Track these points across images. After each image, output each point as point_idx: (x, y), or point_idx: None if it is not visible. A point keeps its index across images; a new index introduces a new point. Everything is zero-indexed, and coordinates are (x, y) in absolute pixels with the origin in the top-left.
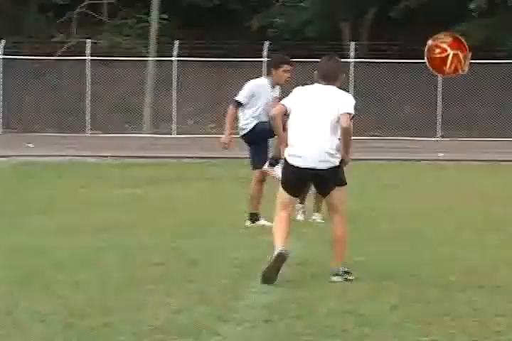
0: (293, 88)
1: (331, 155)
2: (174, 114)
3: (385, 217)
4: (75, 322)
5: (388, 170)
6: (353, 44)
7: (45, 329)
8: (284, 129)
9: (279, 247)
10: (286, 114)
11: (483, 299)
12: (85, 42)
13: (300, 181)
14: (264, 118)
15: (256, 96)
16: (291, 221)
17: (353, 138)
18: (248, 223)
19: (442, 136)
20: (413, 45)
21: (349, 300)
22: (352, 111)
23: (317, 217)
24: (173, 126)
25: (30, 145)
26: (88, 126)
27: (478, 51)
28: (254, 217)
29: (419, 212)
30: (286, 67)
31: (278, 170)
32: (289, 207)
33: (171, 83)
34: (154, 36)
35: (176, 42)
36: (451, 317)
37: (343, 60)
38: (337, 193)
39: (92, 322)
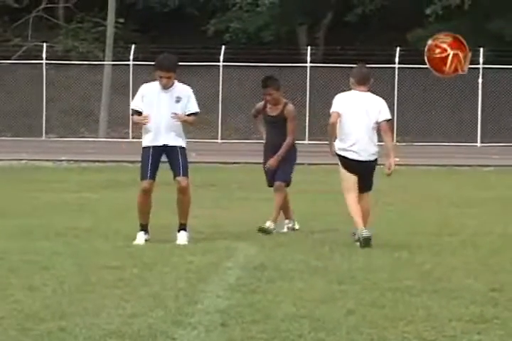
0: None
1: (375, 149)
2: (130, 118)
3: (341, 222)
4: (30, 326)
5: None
6: (309, 48)
7: (0, 333)
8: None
9: (362, 230)
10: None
11: (438, 303)
12: (41, 46)
13: (357, 169)
14: (163, 129)
15: (144, 101)
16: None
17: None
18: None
19: (398, 141)
20: (369, 49)
21: (305, 304)
22: (390, 116)
23: (289, 224)
24: (129, 131)
25: None
26: (44, 129)
27: None
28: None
29: (374, 216)
30: (158, 73)
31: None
32: (354, 187)
33: (127, 87)
34: (111, 40)
35: (132, 46)
36: (406, 322)
37: (299, 64)
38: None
39: (47, 327)
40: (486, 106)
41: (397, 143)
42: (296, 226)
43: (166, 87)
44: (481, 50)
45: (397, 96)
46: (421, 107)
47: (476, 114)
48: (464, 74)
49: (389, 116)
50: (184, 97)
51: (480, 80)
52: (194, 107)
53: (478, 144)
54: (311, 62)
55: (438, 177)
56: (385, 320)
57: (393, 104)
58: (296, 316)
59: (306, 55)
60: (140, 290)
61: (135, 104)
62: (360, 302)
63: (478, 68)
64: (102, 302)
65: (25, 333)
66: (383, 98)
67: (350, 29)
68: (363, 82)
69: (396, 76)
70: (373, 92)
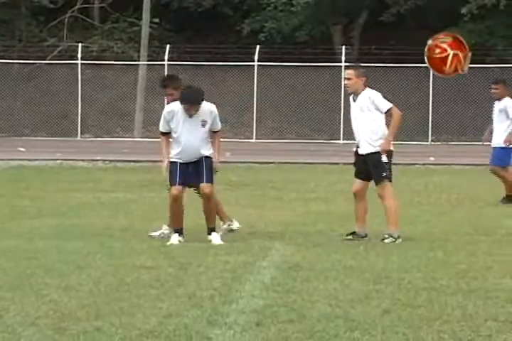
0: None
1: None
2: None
3: (375, 223)
4: (66, 326)
5: None
6: (343, 48)
7: (36, 333)
8: None
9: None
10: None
11: (474, 303)
12: (76, 46)
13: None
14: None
15: (171, 124)
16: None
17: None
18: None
19: (433, 141)
20: (404, 49)
21: (340, 304)
22: None
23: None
24: None
25: (21, 149)
26: (79, 129)
27: None
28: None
29: (409, 216)
30: (185, 106)
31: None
32: None
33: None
34: (145, 40)
35: (167, 46)
36: (442, 322)
37: (333, 64)
38: None
39: (83, 326)
40: None
41: (433, 143)
42: (235, 226)
43: (191, 116)
44: None
45: (432, 95)
46: (456, 106)
47: None
48: (500, 73)
49: None
50: (209, 119)
51: None
52: (218, 126)
53: None
54: (345, 61)
55: (473, 177)
56: (420, 319)
57: (428, 103)
58: (332, 316)
59: (341, 55)
60: (175, 290)
61: (163, 127)
62: (395, 302)
63: None
64: (137, 302)
65: (61, 333)
66: (418, 97)
67: (385, 29)
68: None
69: (431, 75)
70: (408, 91)
